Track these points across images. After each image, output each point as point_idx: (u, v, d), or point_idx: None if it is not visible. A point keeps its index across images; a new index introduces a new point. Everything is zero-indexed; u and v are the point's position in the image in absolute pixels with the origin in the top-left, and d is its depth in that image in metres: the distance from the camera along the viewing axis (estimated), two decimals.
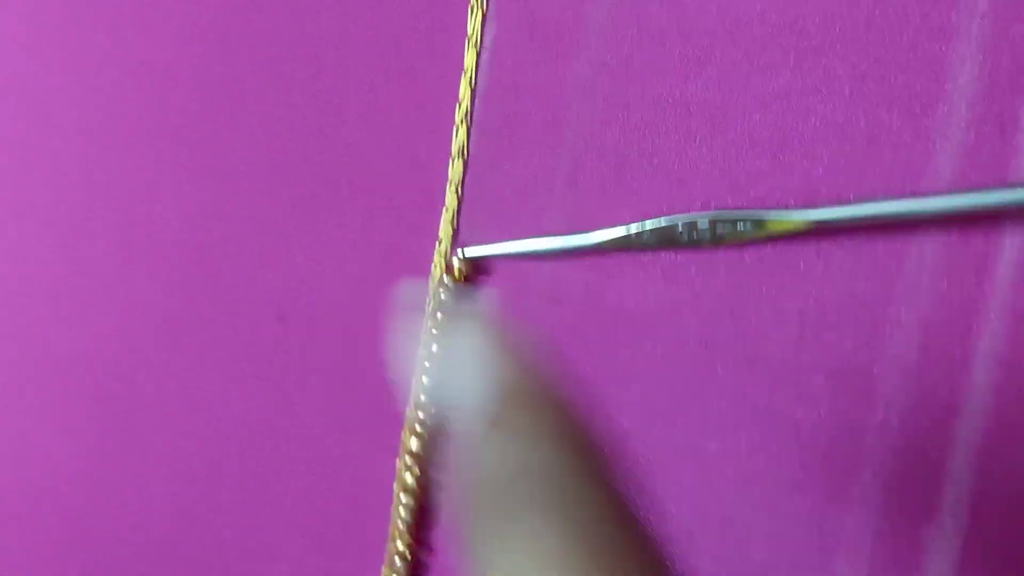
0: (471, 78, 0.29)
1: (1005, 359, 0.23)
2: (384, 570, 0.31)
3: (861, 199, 0.24)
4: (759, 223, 0.24)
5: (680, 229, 0.25)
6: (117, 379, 0.38)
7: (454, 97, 0.30)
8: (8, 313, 0.40)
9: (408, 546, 0.30)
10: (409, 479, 0.30)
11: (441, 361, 0.20)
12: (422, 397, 0.29)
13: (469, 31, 0.29)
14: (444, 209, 0.30)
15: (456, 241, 0.30)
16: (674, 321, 0.26)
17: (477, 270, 0.29)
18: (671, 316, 0.26)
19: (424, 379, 0.29)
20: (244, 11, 0.33)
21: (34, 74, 0.39)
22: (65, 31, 0.37)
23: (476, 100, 0.29)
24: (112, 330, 0.38)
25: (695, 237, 0.25)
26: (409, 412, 0.30)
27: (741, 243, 0.25)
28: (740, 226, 0.24)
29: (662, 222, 0.25)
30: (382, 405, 0.31)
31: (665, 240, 0.25)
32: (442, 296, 0.29)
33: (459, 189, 0.30)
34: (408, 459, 0.30)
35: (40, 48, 0.38)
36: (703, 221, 0.25)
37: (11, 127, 0.39)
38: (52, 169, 0.39)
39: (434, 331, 0.29)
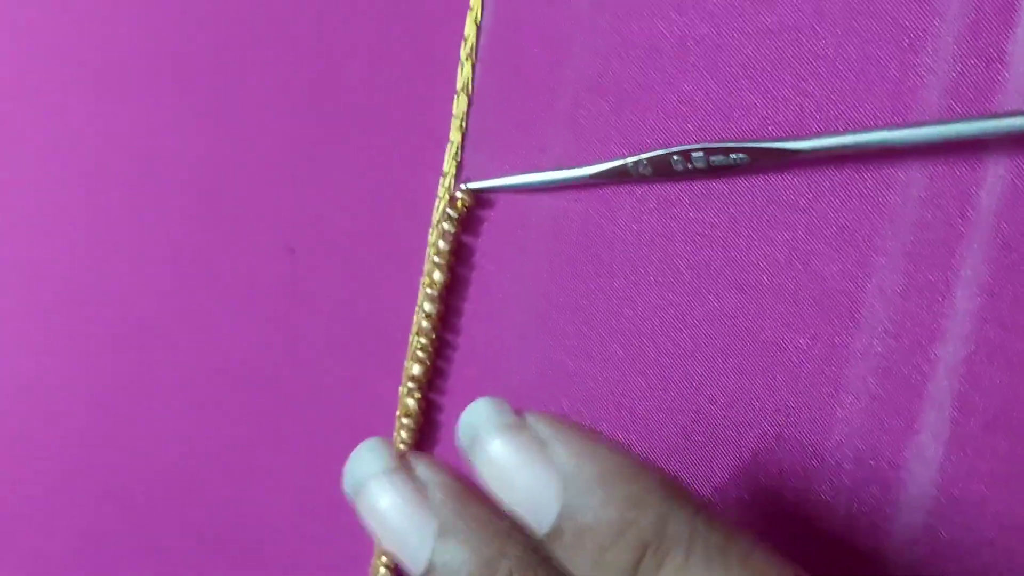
0: (476, 15, 0.30)
1: (987, 287, 0.23)
2: None
3: (848, 130, 0.24)
4: (751, 152, 0.25)
5: (675, 159, 0.26)
6: (127, 312, 0.39)
7: (459, 34, 0.30)
8: (21, 251, 0.41)
9: None
10: (411, 403, 0.31)
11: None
12: (423, 323, 0.30)
13: None
14: (448, 144, 0.31)
15: (460, 175, 0.31)
16: (668, 250, 0.27)
17: (479, 203, 0.30)
18: (665, 245, 0.27)
19: (425, 306, 0.30)
20: None
21: (39, 18, 0.39)
22: None
23: (481, 37, 0.30)
24: (122, 263, 0.39)
25: (689, 168, 0.26)
26: (412, 339, 0.31)
27: (734, 174, 0.26)
28: (733, 156, 0.25)
29: (658, 152, 0.26)
30: (387, 334, 0.32)
31: (661, 171, 0.26)
32: (444, 227, 0.30)
33: (463, 124, 0.31)
34: (410, 384, 0.31)
35: None
36: (697, 152, 0.26)
37: (18, 70, 0.40)
38: (61, 108, 0.40)
39: (436, 259, 0.30)
